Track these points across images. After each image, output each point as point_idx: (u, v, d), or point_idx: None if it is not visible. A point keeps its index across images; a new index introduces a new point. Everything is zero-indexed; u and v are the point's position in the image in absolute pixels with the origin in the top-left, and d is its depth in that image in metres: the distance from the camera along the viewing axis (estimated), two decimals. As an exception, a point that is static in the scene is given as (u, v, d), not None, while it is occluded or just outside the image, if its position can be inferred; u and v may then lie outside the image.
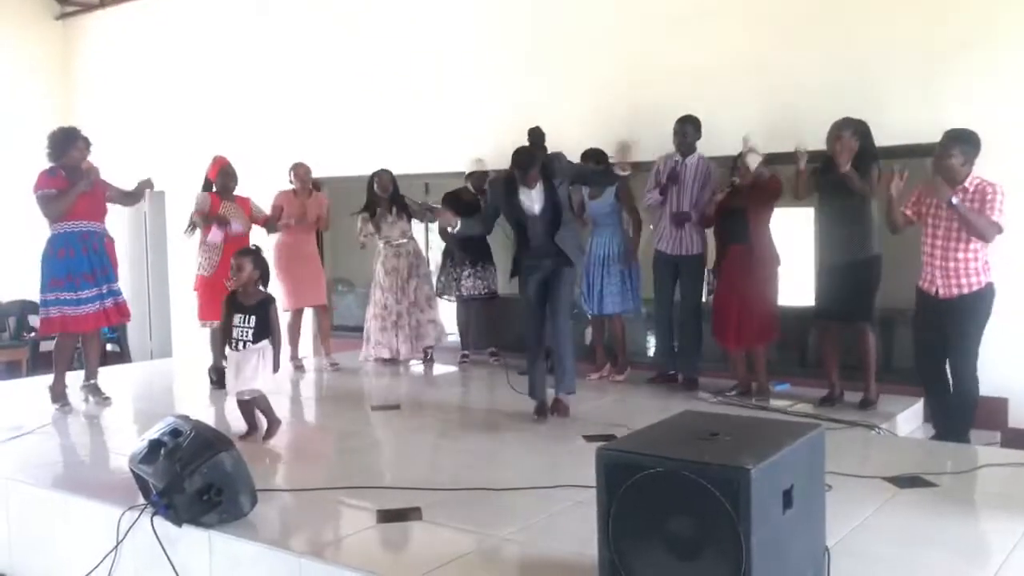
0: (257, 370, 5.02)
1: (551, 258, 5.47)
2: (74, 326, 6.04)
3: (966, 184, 4.95)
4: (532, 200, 5.47)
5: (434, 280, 7.69)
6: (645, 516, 2.58)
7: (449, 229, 7.13)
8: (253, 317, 4.98)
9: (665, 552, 2.55)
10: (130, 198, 6.52)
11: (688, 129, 6.28)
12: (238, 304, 5.03)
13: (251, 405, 5.12)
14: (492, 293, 7.48)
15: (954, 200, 4.80)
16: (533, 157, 5.46)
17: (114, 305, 6.15)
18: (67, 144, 5.98)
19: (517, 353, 7.21)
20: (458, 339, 7.85)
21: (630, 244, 6.56)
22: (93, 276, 6.00)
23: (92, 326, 6.15)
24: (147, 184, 6.51)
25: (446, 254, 7.62)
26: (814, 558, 2.81)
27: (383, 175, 7.34)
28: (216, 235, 6.52)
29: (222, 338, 5.11)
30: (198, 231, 6.73)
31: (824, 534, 2.90)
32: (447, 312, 7.85)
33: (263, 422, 5.15)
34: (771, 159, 5.97)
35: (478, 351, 7.72)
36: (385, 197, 7.32)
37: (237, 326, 4.99)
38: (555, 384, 5.52)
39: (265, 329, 5.01)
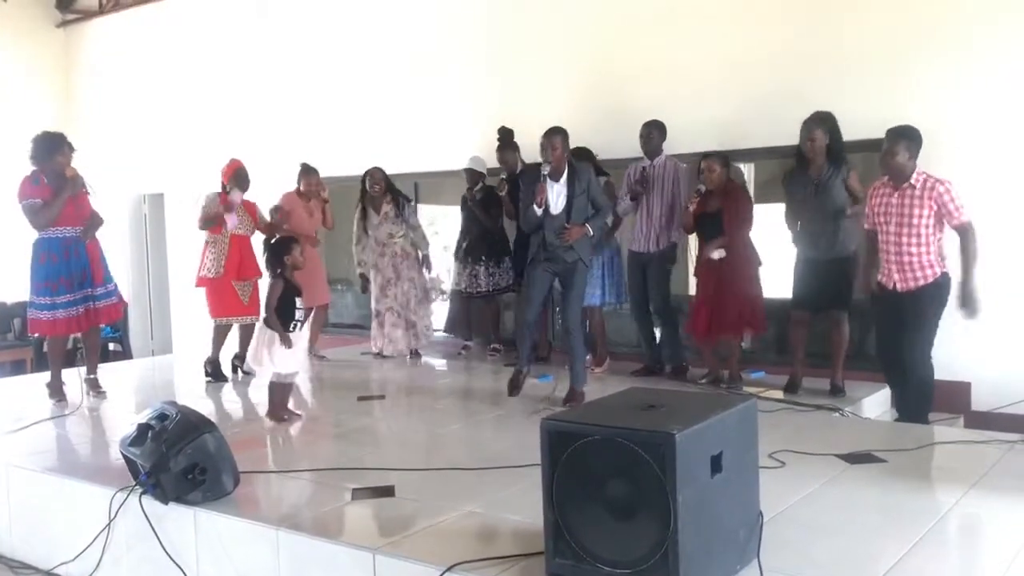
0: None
1: (566, 254, 5.58)
2: (47, 330, 6.19)
3: (912, 180, 5.06)
4: (555, 195, 5.55)
5: (452, 275, 7.76)
6: (585, 480, 2.79)
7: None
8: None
9: (604, 513, 2.76)
10: (88, 228, 6.15)
11: (653, 133, 6.48)
12: (296, 288, 5.36)
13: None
14: (508, 287, 7.48)
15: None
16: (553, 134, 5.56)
17: (94, 308, 6.16)
18: (54, 149, 5.98)
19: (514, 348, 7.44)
20: (449, 335, 8.03)
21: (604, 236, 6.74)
22: (70, 282, 6.04)
23: (63, 331, 6.22)
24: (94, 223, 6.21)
25: (465, 251, 7.59)
26: (747, 521, 3.01)
27: (374, 172, 7.56)
28: (232, 219, 6.76)
29: (281, 320, 5.29)
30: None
31: (758, 499, 3.09)
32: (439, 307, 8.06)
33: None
34: (740, 156, 6.15)
35: (479, 346, 7.91)
36: (377, 194, 7.52)
37: (300, 308, 5.35)
38: (571, 379, 5.73)
39: None
